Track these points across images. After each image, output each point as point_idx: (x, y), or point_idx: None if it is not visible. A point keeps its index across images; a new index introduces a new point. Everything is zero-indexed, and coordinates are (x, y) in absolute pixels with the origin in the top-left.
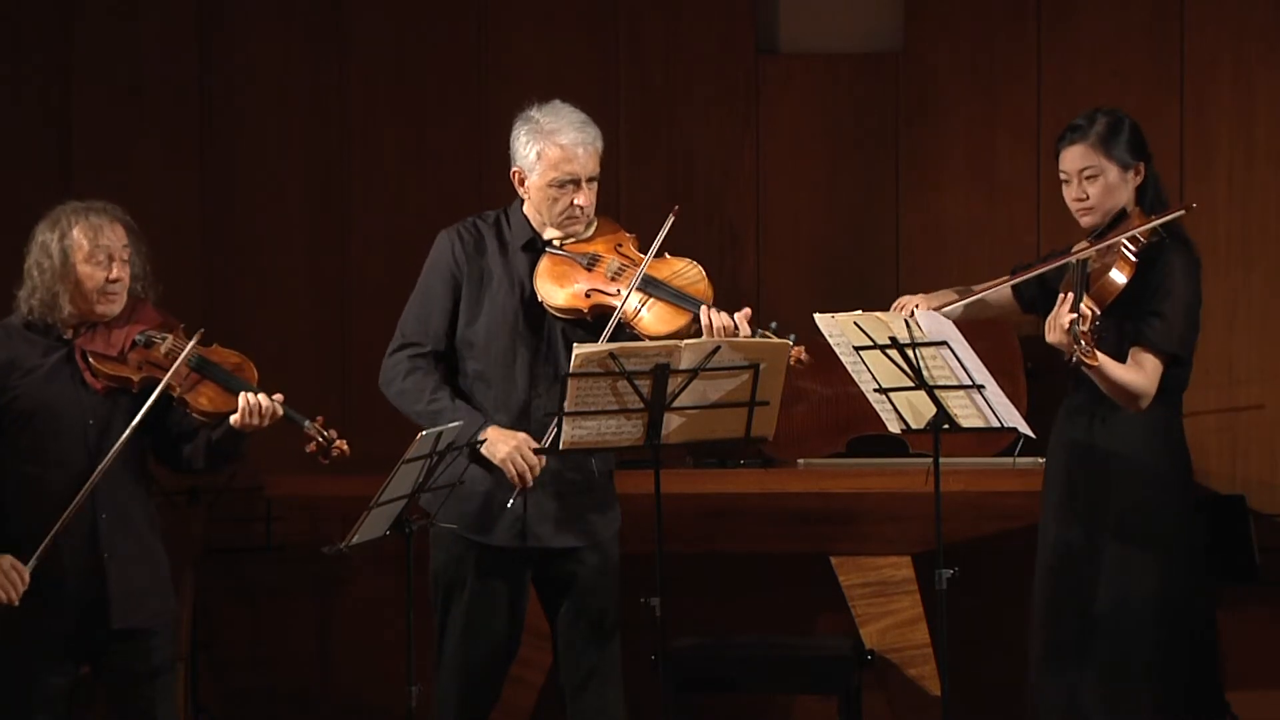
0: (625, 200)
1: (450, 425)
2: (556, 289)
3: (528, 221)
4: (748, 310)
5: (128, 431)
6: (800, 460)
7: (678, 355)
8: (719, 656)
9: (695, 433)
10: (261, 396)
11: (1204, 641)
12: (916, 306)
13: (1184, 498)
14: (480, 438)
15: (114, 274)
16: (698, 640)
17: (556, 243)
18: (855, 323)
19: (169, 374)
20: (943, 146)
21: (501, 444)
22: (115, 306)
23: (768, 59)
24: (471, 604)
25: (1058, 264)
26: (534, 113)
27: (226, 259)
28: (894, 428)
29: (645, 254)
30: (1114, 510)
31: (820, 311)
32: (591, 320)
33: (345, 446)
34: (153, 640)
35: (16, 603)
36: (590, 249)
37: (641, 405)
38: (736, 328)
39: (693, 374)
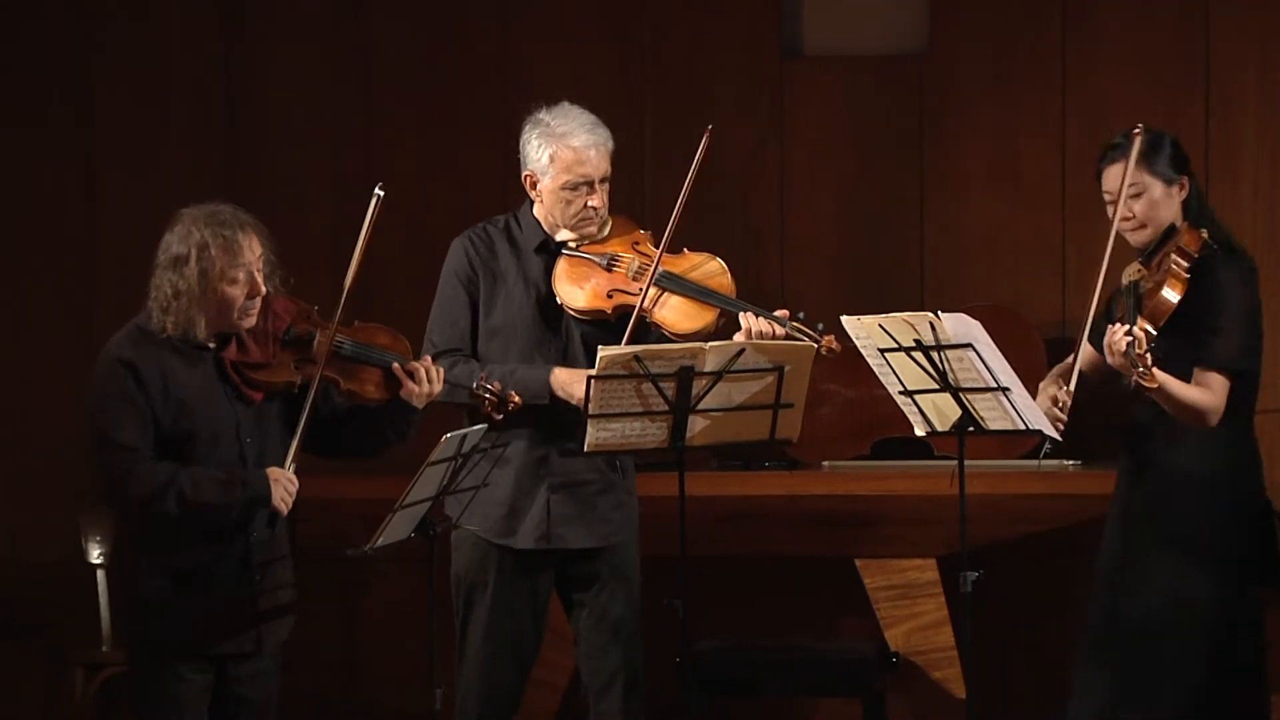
0: (650, 204)
1: (475, 429)
2: (577, 291)
3: (538, 223)
4: (784, 312)
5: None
6: (825, 463)
7: (702, 358)
8: (742, 659)
9: (720, 435)
10: (425, 364)
11: (1233, 651)
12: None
13: (1233, 511)
14: (552, 384)
15: (255, 290)
16: (721, 643)
17: (573, 244)
18: (880, 325)
19: (321, 367)
20: (966, 149)
21: (578, 384)
22: (254, 318)
23: (791, 62)
24: (493, 607)
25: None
26: (543, 115)
27: None
28: (920, 430)
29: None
30: (1162, 521)
31: (845, 314)
32: (614, 320)
33: (518, 398)
34: (275, 650)
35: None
36: (607, 249)
37: (666, 408)
38: (775, 335)
39: (717, 376)
